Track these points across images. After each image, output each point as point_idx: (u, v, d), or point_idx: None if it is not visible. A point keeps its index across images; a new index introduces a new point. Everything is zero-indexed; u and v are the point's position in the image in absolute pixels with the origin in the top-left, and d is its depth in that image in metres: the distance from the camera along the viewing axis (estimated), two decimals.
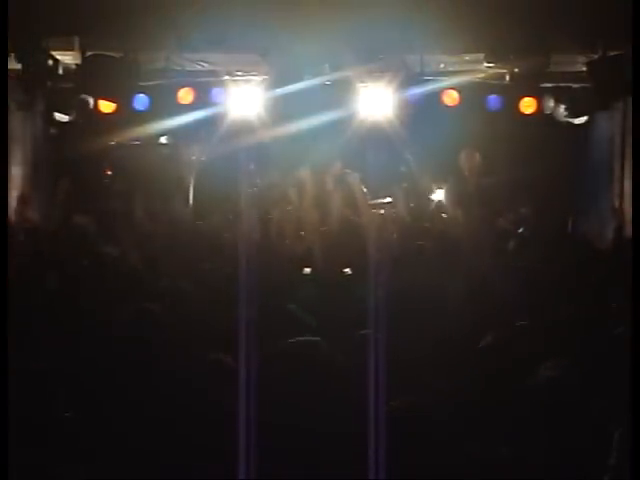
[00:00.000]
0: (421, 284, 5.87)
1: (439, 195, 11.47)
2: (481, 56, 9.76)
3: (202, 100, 10.42)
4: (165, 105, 10.59)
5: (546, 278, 6.26)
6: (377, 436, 2.77)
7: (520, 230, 8.74)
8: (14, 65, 8.76)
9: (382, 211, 10.51)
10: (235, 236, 7.54)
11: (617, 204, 10.64)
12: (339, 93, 10.45)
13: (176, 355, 4.34)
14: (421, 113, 10.70)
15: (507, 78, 10.01)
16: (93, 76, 9.10)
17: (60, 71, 9.50)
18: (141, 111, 10.40)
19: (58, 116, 10.93)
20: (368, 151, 11.66)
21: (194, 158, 11.30)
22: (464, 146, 11.37)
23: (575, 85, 10.62)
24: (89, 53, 9.08)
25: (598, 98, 9.61)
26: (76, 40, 9.28)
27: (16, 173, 10.46)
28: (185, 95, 10.44)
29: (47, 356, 4.28)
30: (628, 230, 9.70)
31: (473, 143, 11.77)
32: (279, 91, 9.87)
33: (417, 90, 10.25)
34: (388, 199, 11.09)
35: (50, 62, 9.26)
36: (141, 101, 10.26)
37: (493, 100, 10.66)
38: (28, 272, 6.30)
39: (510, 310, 5.36)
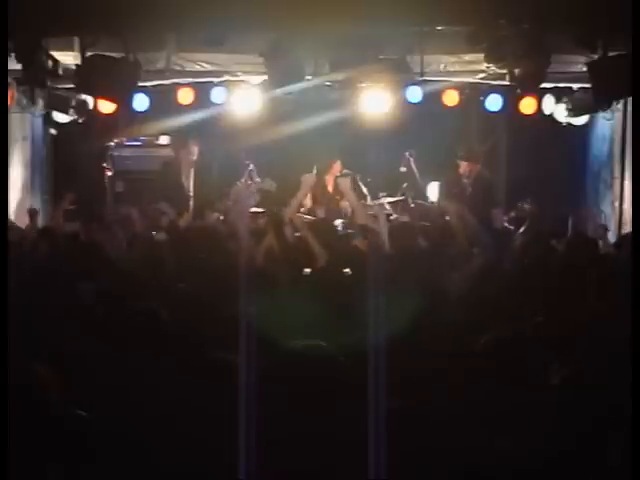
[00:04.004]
0: (421, 284, 5.87)
1: (433, 188, 11.49)
2: (481, 56, 9.75)
3: (202, 100, 10.42)
4: (165, 105, 10.59)
5: (546, 277, 6.25)
6: (377, 436, 2.77)
7: (521, 230, 8.73)
8: (14, 65, 8.76)
9: (382, 211, 10.51)
10: (235, 236, 7.54)
11: (617, 204, 10.65)
12: (339, 93, 10.46)
13: (177, 354, 4.34)
14: (421, 113, 10.70)
15: (507, 78, 10.00)
16: (93, 76, 9.08)
17: (60, 71, 9.49)
18: (141, 111, 10.40)
19: (58, 116, 10.94)
20: (368, 151, 11.68)
21: (194, 158, 11.30)
22: (465, 156, 11.37)
23: (575, 85, 10.63)
24: (89, 53, 9.06)
25: (598, 98, 9.60)
26: (76, 40, 9.27)
27: (16, 173, 10.46)
28: (185, 95, 10.44)
29: (49, 356, 4.28)
30: (628, 230, 9.71)
31: (473, 143, 11.78)
32: (279, 91, 9.87)
33: (417, 90, 10.25)
34: (388, 199, 11.10)
35: (50, 62, 9.25)
36: (141, 101, 10.25)
37: (493, 100, 10.66)
38: (29, 274, 6.31)
39: (510, 310, 5.36)
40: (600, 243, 8.04)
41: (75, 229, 8.23)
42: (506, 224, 9.60)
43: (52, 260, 6.93)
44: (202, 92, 10.41)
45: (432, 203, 11.06)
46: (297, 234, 7.43)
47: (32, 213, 9.01)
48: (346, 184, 8.56)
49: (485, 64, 9.96)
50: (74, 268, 6.38)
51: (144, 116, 10.73)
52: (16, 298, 4.76)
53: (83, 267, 6.43)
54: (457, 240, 7.29)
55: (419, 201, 11.32)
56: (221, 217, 9.75)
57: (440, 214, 8.87)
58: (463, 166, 11.21)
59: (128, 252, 7.16)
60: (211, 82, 10.43)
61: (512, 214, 10.19)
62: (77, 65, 9.17)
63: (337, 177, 10.79)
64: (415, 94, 10.27)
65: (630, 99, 8.96)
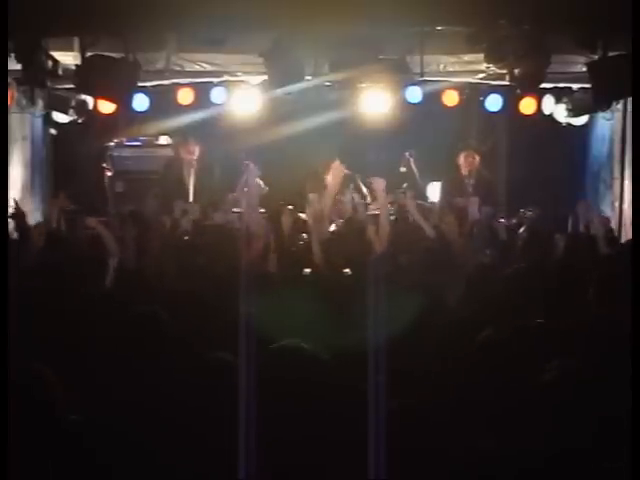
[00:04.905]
0: (421, 284, 5.87)
1: (434, 189, 11.47)
2: (481, 56, 9.75)
3: (202, 100, 10.42)
4: (165, 105, 10.59)
5: (546, 278, 6.25)
6: (377, 436, 2.77)
7: (520, 230, 8.72)
8: (14, 65, 8.76)
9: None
10: (235, 236, 7.54)
11: (617, 204, 10.65)
12: (339, 93, 10.46)
13: (177, 355, 4.34)
14: (421, 113, 10.70)
15: (507, 78, 10.01)
16: (93, 76, 9.08)
17: (60, 71, 9.49)
18: (141, 111, 10.40)
19: (58, 116, 10.93)
20: (368, 151, 11.68)
21: (194, 158, 11.30)
22: (464, 146, 11.37)
23: (575, 85, 10.63)
24: (89, 53, 9.07)
25: (598, 98, 9.60)
26: (76, 40, 9.27)
27: (16, 173, 10.46)
28: (185, 95, 10.44)
29: (50, 356, 4.28)
30: (628, 230, 9.71)
31: (473, 143, 11.78)
32: (279, 91, 9.87)
33: (417, 90, 10.25)
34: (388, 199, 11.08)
35: (50, 62, 9.25)
36: (141, 101, 10.25)
37: (493, 100, 10.66)
38: (30, 273, 6.31)
39: (510, 310, 5.36)
40: (599, 243, 8.02)
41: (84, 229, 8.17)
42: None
43: (55, 261, 6.92)
44: (202, 92, 10.42)
45: (432, 203, 11.05)
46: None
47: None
48: (381, 185, 8.39)
49: (485, 64, 9.96)
50: (78, 270, 6.39)
51: (144, 116, 10.73)
52: (17, 297, 4.76)
53: (88, 270, 6.44)
54: (457, 243, 7.28)
55: (419, 201, 11.31)
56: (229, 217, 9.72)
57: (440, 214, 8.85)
58: (461, 158, 11.17)
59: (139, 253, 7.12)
60: (211, 82, 10.43)
61: (514, 221, 10.17)
62: (77, 65, 9.17)
63: (356, 177, 10.82)
64: (415, 94, 10.27)
65: (630, 99, 8.96)
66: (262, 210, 9.68)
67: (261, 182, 10.65)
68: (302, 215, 8.48)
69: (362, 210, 9.93)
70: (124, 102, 9.73)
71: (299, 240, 8.08)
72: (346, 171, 11.10)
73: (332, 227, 8.71)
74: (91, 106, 10.50)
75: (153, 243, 7.25)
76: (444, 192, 11.15)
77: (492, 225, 8.53)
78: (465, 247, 7.20)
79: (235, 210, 9.85)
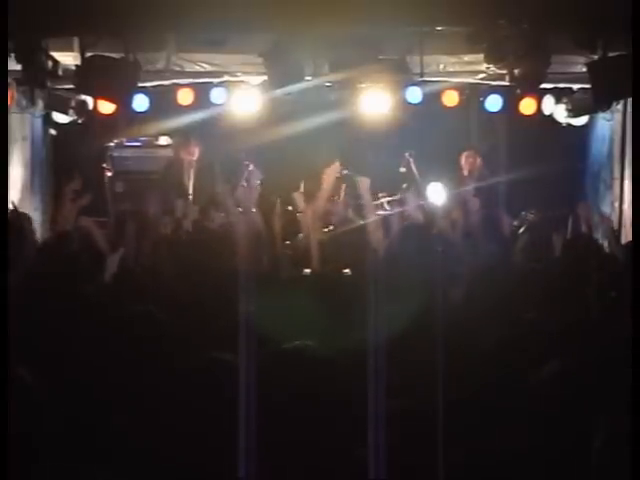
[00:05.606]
0: (422, 285, 5.86)
1: (433, 189, 11.46)
2: (481, 56, 9.75)
3: (202, 100, 10.42)
4: (165, 105, 10.59)
5: (546, 278, 6.25)
6: (377, 436, 2.77)
7: (520, 230, 8.72)
8: (14, 65, 8.76)
9: (381, 211, 10.51)
10: (235, 236, 7.54)
11: (617, 204, 10.65)
12: (339, 93, 10.46)
13: (176, 354, 4.34)
14: (421, 113, 10.70)
15: (507, 78, 10.00)
16: (93, 77, 9.08)
17: (60, 72, 9.49)
18: (141, 112, 10.40)
19: (58, 117, 10.93)
20: (368, 151, 11.68)
21: (194, 159, 11.30)
22: (464, 146, 11.38)
23: (575, 85, 10.63)
24: (89, 53, 9.06)
25: (598, 98, 9.60)
26: (76, 40, 9.27)
27: (16, 174, 10.46)
28: (185, 95, 10.44)
29: (51, 355, 4.28)
30: (628, 230, 9.71)
31: (473, 144, 11.79)
32: (279, 91, 9.87)
33: (417, 91, 10.25)
34: (388, 199, 11.09)
35: (50, 63, 9.25)
36: (141, 101, 10.25)
37: (493, 100, 10.66)
38: (32, 273, 6.30)
39: (511, 310, 5.36)
40: (598, 243, 8.03)
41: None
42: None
43: (53, 261, 6.92)
44: (202, 93, 10.42)
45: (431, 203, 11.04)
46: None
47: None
48: (366, 184, 8.43)
49: (485, 64, 9.96)
50: (76, 270, 6.38)
51: (144, 117, 10.73)
52: (17, 296, 4.76)
53: (85, 269, 6.43)
54: (460, 244, 7.27)
55: (421, 202, 11.29)
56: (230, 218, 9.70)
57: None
58: (462, 158, 11.19)
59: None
60: (211, 83, 10.43)
61: (515, 223, 10.17)
62: (77, 65, 9.16)
63: (353, 176, 10.78)
64: (415, 95, 10.27)
65: (630, 99, 8.96)
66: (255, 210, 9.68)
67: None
68: (299, 215, 8.48)
69: (358, 210, 9.92)
70: (124, 102, 9.72)
71: (297, 240, 8.08)
72: (344, 172, 11.13)
73: (328, 228, 8.72)
74: (91, 106, 10.50)
75: (153, 243, 7.24)
76: (446, 193, 11.15)
77: (495, 226, 8.53)
78: (468, 247, 7.19)
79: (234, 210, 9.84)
